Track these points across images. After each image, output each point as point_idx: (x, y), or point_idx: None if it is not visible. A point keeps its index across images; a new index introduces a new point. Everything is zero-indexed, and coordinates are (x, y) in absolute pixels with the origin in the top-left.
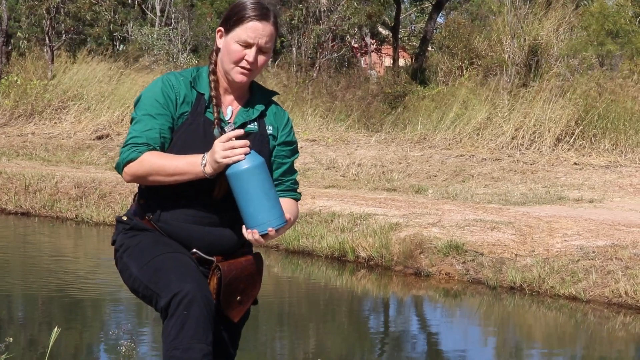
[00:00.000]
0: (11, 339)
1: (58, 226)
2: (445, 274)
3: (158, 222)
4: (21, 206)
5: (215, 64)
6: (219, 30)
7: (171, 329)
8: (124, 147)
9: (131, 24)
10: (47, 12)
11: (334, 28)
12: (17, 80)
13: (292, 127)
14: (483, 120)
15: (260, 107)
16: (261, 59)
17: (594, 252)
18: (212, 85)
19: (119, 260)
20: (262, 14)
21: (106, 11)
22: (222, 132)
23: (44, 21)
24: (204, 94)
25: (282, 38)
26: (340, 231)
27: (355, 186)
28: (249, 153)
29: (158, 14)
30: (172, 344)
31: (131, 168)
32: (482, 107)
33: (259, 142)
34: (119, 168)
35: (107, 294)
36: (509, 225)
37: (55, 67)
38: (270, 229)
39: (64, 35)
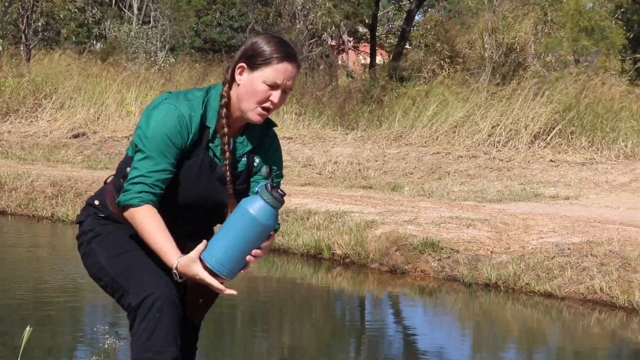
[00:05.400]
0: None
1: (34, 225)
2: (421, 271)
3: None
4: None
5: (229, 99)
6: (241, 67)
7: (143, 331)
8: (129, 182)
9: (109, 22)
10: (23, 8)
11: (311, 27)
12: None
13: (281, 161)
14: (460, 118)
15: (254, 142)
16: (283, 98)
17: (569, 248)
18: (224, 122)
19: (85, 243)
20: (291, 55)
21: (79, 10)
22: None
23: (19, 19)
24: (209, 127)
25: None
26: (316, 229)
27: (332, 184)
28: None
29: (135, 12)
30: (144, 346)
31: (127, 211)
32: (460, 105)
33: (245, 179)
34: (119, 205)
35: (84, 291)
36: (485, 222)
37: (31, 65)
38: (214, 267)
39: (40, 34)
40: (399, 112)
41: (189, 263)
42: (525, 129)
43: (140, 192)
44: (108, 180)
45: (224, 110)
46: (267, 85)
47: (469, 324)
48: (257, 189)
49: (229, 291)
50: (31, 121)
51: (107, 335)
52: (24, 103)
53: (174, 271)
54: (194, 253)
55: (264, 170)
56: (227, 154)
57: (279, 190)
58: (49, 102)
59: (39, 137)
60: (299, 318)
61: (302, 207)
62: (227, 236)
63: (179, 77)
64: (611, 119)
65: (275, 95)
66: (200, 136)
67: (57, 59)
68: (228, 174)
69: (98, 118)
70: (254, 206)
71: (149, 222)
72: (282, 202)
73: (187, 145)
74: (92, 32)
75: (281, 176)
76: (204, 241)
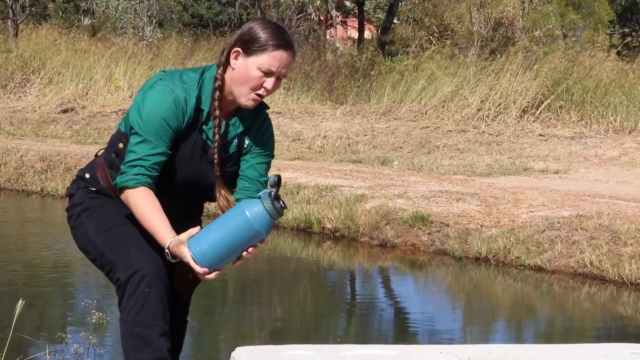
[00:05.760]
0: None
1: (23, 199)
2: (411, 245)
3: None
4: None
5: (223, 82)
6: (237, 51)
7: (132, 306)
8: (127, 165)
9: None
10: None
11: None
12: None
13: (272, 141)
14: (449, 92)
15: (246, 124)
16: (276, 85)
17: (559, 222)
18: (217, 104)
19: (75, 217)
20: (287, 43)
21: None
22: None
23: None
24: (203, 110)
25: (247, 10)
26: (305, 203)
27: (321, 158)
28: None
29: None
30: (133, 321)
31: (124, 194)
32: (448, 80)
33: (235, 160)
34: (116, 187)
35: (74, 266)
36: (475, 196)
37: (18, 40)
38: (196, 257)
39: (27, 9)
40: (387, 86)
41: (178, 244)
42: (514, 104)
43: (138, 174)
44: (99, 154)
45: (217, 93)
46: (262, 71)
47: (459, 297)
48: (260, 194)
49: (209, 276)
50: (20, 96)
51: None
52: (12, 78)
53: (166, 251)
54: (184, 236)
55: (272, 179)
56: (217, 136)
57: (281, 202)
58: (37, 77)
59: (27, 112)
60: (289, 292)
61: (292, 181)
62: (217, 231)
63: (167, 52)
64: (600, 94)
65: (269, 82)
66: (194, 119)
67: (44, 34)
68: (216, 156)
69: (87, 93)
70: (252, 210)
71: (144, 202)
72: (281, 215)
73: (182, 127)
74: (80, 7)
75: (272, 156)
76: (198, 227)
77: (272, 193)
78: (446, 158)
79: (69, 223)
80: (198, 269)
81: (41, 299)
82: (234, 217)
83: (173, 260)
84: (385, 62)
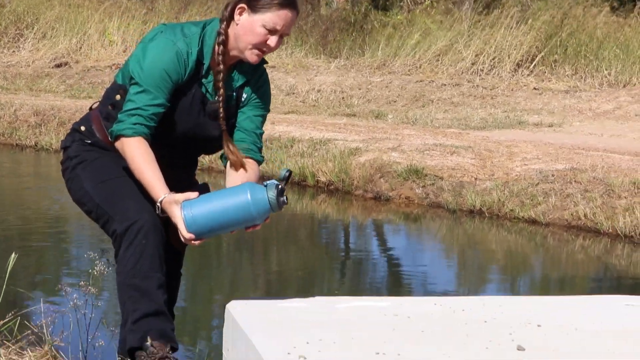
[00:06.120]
0: None
1: (17, 154)
2: (405, 198)
3: None
4: None
5: (227, 37)
6: (242, 7)
7: (129, 257)
8: (125, 113)
9: None
10: None
11: None
12: None
13: (268, 95)
14: (443, 46)
15: (244, 78)
16: (279, 42)
17: (553, 175)
18: (220, 59)
19: (70, 169)
20: (292, 2)
21: None
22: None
23: None
24: (204, 64)
25: None
26: (300, 156)
27: (315, 112)
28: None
29: None
30: (130, 273)
31: (119, 142)
32: (442, 34)
33: (233, 113)
34: (112, 135)
35: (69, 219)
36: (469, 149)
37: None
38: (186, 220)
39: None
40: (381, 40)
41: (172, 202)
42: (509, 57)
43: (136, 123)
44: (93, 107)
45: (221, 47)
46: (267, 29)
47: (453, 249)
48: (267, 182)
49: (193, 242)
50: (13, 51)
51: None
52: (5, 33)
53: (158, 204)
54: (181, 196)
55: (283, 172)
56: (222, 90)
57: (284, 198)
58: (30, 32)
59: (21, 67)
60: (284, 244)
61: (286, 135)
62: (215, 203)
63: (161, 6)
64: (595, 47)
65: (273, 40)
66: (194, 72)
67: None
68: (221, 110)
69: (80, 48)
70: (255, 194)
71: (139, 154)
72: (280, 209)
73: (182, 80)
74: None
75: (268, 110)
76: (196, 193)
77: (279, 186)
78: (440, 112)
79: (64, 176)
80: (184, 232)
81: (36, 253)
82: (236, 195)
83: (162, 215)
84: (379, 16)
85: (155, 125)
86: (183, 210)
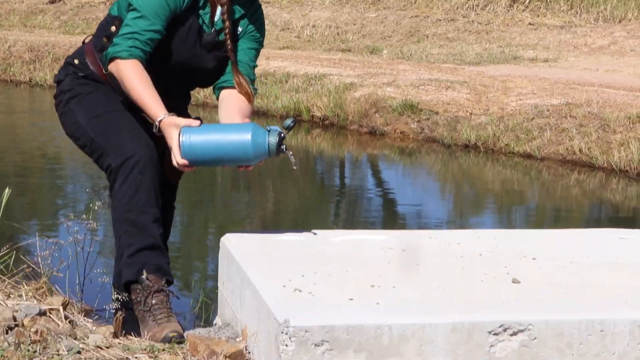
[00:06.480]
0: None
1: (12, 89)
2: (400, 133)
3: (115, 79)
4: None
5: None
6: None
7: (125, 192)
8: (121, 37)
9: None
10: None
11: None
12: None
13: (263, 29)
14: None
15: (240, 11)
16: None
17: (548, 110)
18: None
19: (64, 103)
20: None
21: None
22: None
23: None
24: None
25: None
26: (294, 91)
27: (310, 47)
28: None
29: None
30: (126, 207)
31: (114, 63)
32: None
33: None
34: (106, 57)
35: (64, 155)
36: (464, 84)
37: None
38: (183, 145)
39: None
40: None
41: (172, 125)
42: None
43: (132, 47)
44: (87, 40)
45: None
46: None
47: (448, 184)
48: (270, 127)
49: (184, 168)
50: None
51: (88, 198)
52: None
53: (156, 123)
54: (183, 121)
55: (288, 122)
56: (227, 22)
57: (284, 147)
58: None
59: (15, 3)
60: (279, 179)
61: (281, 70)
62: (215, 135)
63: None
64: None
65: None
66: (192, 2)
67: None
68: (229, 42)
69: None
70: (257, 136)
71: (135, 76)
72: (277, 156)
73: (180, 10)
74: None
75: (262, 45)
76: (198, 122)
77: (282, 134)
78: (435, 47)
79: (57, 110)
80: (179, 157)
81: (31, 188)
82: (237, 132)
83: (158, 134)
84: None
85: (151, 52)
86: (182, 135)
